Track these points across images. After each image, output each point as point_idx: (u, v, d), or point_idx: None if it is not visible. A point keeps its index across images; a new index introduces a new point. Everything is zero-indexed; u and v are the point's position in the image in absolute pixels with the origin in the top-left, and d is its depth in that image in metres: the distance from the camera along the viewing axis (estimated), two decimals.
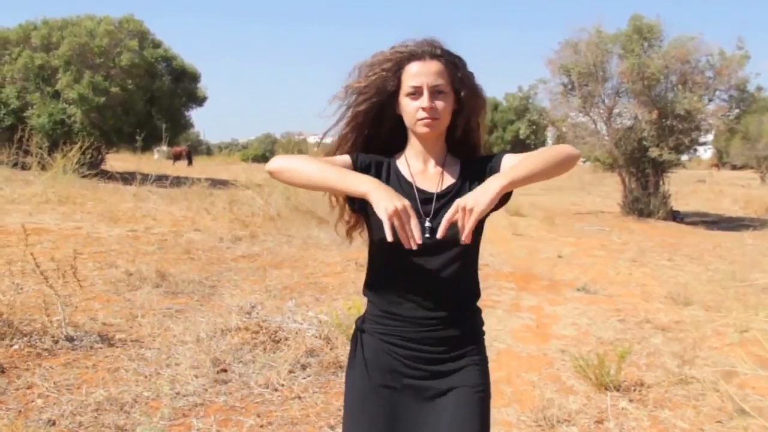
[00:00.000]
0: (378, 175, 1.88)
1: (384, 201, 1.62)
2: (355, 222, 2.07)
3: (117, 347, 4.32)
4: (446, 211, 1.70)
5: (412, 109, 1.86)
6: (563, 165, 1.86)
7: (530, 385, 4.33)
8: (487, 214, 1.70)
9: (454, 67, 1.89)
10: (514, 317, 5.97)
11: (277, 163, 1.82)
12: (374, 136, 1.98)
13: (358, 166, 1.89)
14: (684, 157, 19.00)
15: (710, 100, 16.70)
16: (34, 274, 5.85)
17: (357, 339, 1.96)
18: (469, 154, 1.98)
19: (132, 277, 6.14)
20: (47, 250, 7.22)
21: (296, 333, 4.52)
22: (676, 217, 17.24)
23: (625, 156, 17.21)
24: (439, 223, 1.71)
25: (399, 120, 1.94)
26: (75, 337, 4.31)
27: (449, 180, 1.91)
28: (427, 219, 1.83)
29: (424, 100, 1.84)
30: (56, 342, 4.21)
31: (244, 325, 4.50)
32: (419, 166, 1.93)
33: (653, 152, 16.19)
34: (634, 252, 10.88)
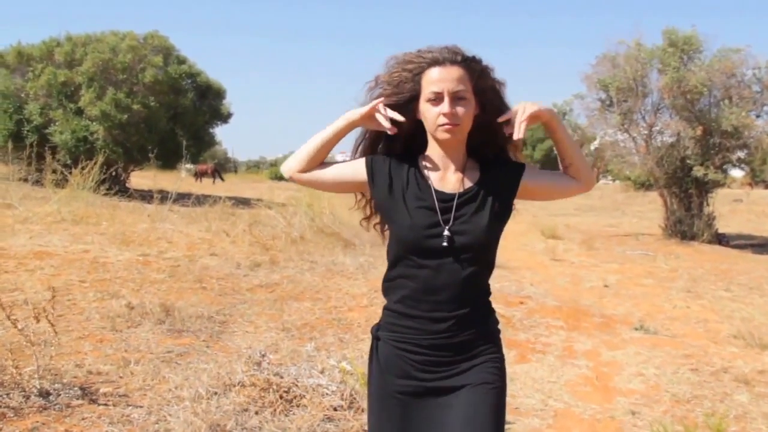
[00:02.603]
0: (393, 174, 1.95)
1: (352, 111, 1.95)
2: (370, 214, 2.12)
3: (99, 404, 3.60)
4: (466, 215, 1.89)
5: (432, 115, 1.87)
6: (583, 175, 2.03)
7: None
8: (501, 228, 1.93)
9: (476, 72, 1.89)
10: (568, 365, 5.15)
11: (287, 163, 2.05)
12: (395, 140, 2.00)
13: (370, 168, 1.98)
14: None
15: (758, 116, 15.78)
16: (26, 306, 5.25)
17: (373, 347, 2.02)
18: (496, 155, 2.02)
19: (133, 312, 5.46)
20: (47, 276, 6.59)
21: (314, 390, 3.78)
22: (721, 240, 16.24)
23: (667, 175, 16.27)
24: (457, 230, 1.87)
25: (419, 124, 1.96)
26: (51, 391, 3.61)
27: (469, 183, 1.93)
28: (446, 227, 1.86)
29: (445, 106, 1.85)
30: (27, 398, 3.51)
31: (251, 381, 3.76)
32: (439, 169, 1.94)
33: (698, 171, 15.25)
34: (685, 281, 9.97)
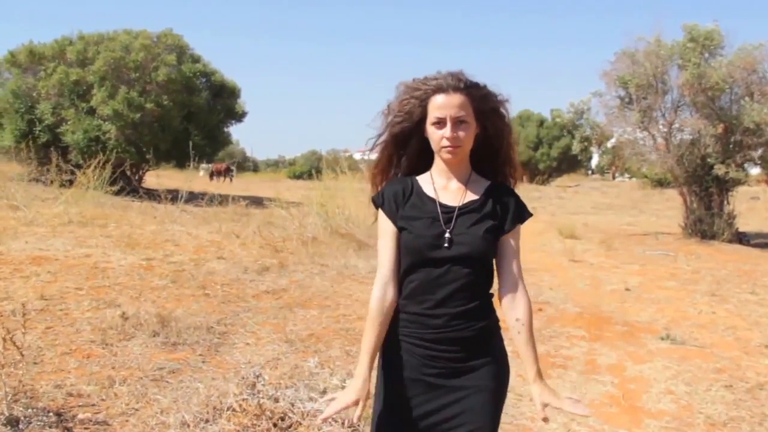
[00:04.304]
0: (399, 202, 2.13)
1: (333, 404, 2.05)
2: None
3: None
4: (465, 225, 2.07)
5: (437, 137, 2.06)
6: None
7: None
8: (495, 241, 2.10)
9: (477, 98, 2.06)
10: (591, 382, 4.77)
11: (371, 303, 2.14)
12: (406, 156, 2.19)
13: (388, 211, 2.14)
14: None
15: None
16: (13, 318, 4.97)
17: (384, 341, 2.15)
18: (500, 170, 2.19)
19: (127, 323, 5.15)
20: (42, 284, 6.31)
21: (312, 416, 3.44)
22: (742, 239, 15.73)
23: (687, 174, 15.76)
24: (456, 239, 2.05)
25: (427, 142, 2.13)
26: (22, 418, 3.30)
27: (471, 196, 2.11)
28: (448, 230, 2.05)
29: (447, 130, 2.04)
30: None
31: (242, 406, 3.43)
32: (443, 182, 2.14)
33: (719, 170, 14.75)
34: (708, 283, 9.54)
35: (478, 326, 2.06)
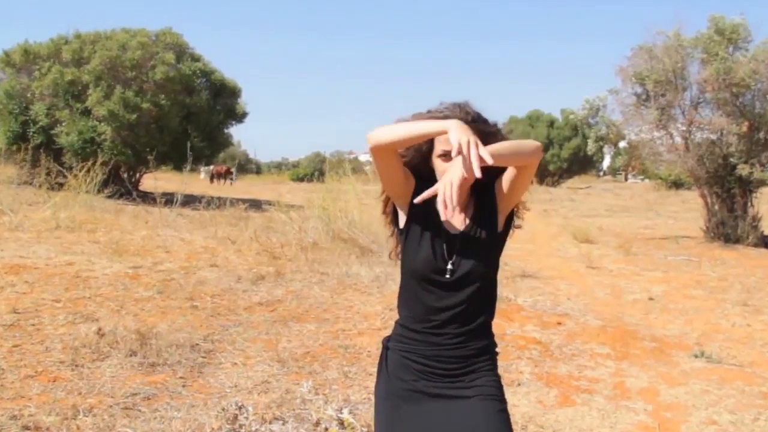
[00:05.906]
0: (422, 206, 2.03)
1: (458, 133, 1.81)
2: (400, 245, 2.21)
3: None
4: (466, 251, 2.06)
5: (443, 169, 2.04)
6: (529, 155, 2.02)
7: None
8: (499, 253, 2.14)
9: (482, 132, 2.01)
10: (621, 409, 4.18)
11: (375, 132, 1.99)
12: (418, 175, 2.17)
13: (418, 188, 2.08)
14: None
15: None
16: None
17: (383, 355, 2.19)
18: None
19: (103, 340, 4.62)
20: (16, 295, 5.80)
21: None
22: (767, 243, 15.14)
23: (708, 174, 15.13)
24: (459, 265, 2.04)
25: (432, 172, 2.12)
26: None
27: (468, 220, 2.12)
28: (450, 261, 2.05)
29: None
30: None
31: None
32: None
33: (742, 170, 14.13)
34: (738, 291, 8.93)
35: (479, 345, 2.09)
